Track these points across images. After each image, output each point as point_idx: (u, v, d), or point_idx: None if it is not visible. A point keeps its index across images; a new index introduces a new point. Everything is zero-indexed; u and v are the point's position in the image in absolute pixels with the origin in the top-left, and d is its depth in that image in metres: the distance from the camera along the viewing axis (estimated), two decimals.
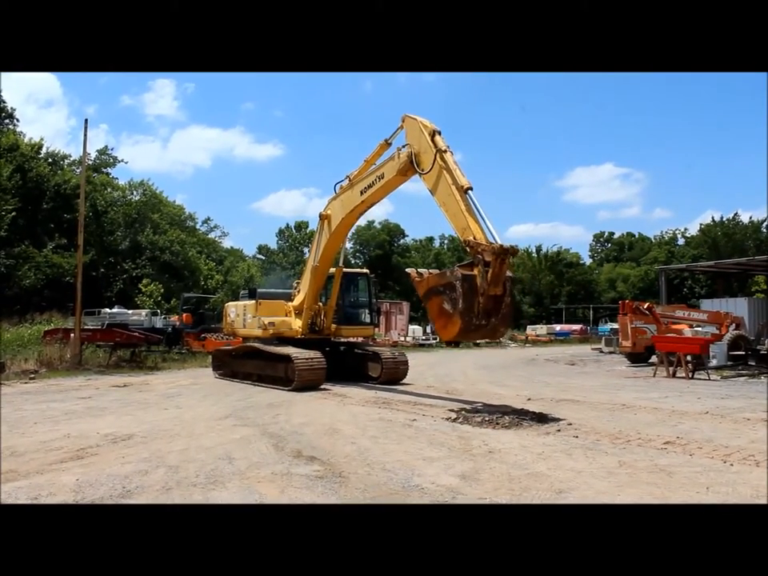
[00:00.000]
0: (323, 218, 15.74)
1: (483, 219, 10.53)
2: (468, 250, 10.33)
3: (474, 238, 10.20)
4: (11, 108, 47.85)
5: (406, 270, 12.51)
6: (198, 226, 64.73)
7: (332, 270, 16.68)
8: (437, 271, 11.41)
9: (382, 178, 13.43)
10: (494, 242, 9.99)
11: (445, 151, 11.41)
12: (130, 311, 29.24)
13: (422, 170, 11.86)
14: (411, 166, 12.29)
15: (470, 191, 10.83)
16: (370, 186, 13.89)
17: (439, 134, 11.83)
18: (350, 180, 14.99)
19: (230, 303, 20.12)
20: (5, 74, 77.84)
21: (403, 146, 12.75)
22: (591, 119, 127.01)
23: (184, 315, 29.00)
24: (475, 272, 9.99)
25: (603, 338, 37.63)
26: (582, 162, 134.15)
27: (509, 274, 10.22)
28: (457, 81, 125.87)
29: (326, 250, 15.91)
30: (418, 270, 11.50)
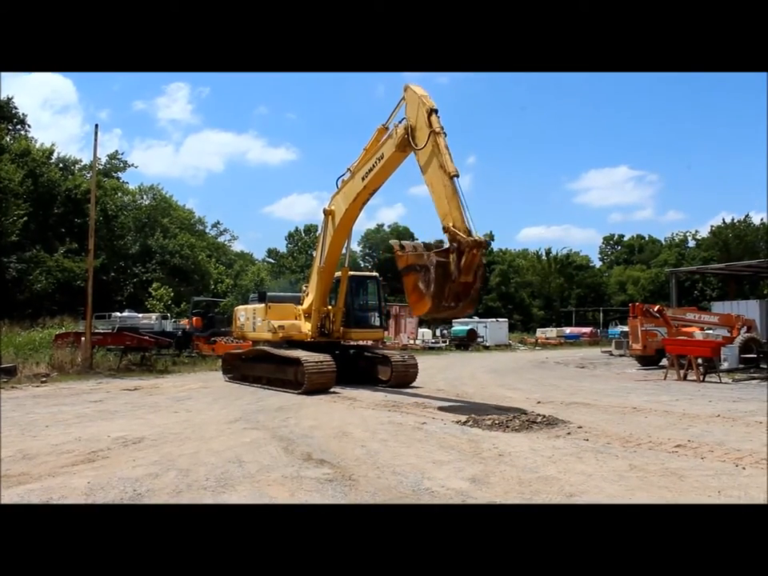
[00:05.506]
0: (327, 213, 15.78)
1: (465, 207, 11.12)
2: (446, 235, 10.95)
3: (453, 226, 10.77)
4: (23, 114, 48.24)
5: (390, 242, 13.41)
6: (207, 230, 65.06)
7: (339, 273, 16.71)
8: (419, 243, 12.21)
9: (382, 158, 13.49)
10: (471, 230, 10.72)
11: (438, 133, 11.60)
12: (140, 315, 29.31)
13: (417, 146, 12.11)
14: (408, 141, 12.41)
15: (455, 178, 11.20)
16: (371, 170, 13.94)
17: (436, 113, 11.92)
18: (351, 172, 15.04)
19: (240, 307, 20.19)
20: (19, 80, 78.58)
21: (400, 121, 12.85)
22: (606, 122, 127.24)
23: (194, 319, 29.08)
24: (449, 259, 10.74)
25: (613, 340, 37.51)
26: (596, 165, 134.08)
27: (483, 261, 10.96)
28: (469, 83, 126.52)
29: (332, 248, 15.92)
30: (402, 242, 12.23)
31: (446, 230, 10.93)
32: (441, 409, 11.59)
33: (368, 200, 14.98)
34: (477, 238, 10.66)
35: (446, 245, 11.22)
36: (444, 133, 11.64)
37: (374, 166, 13.77)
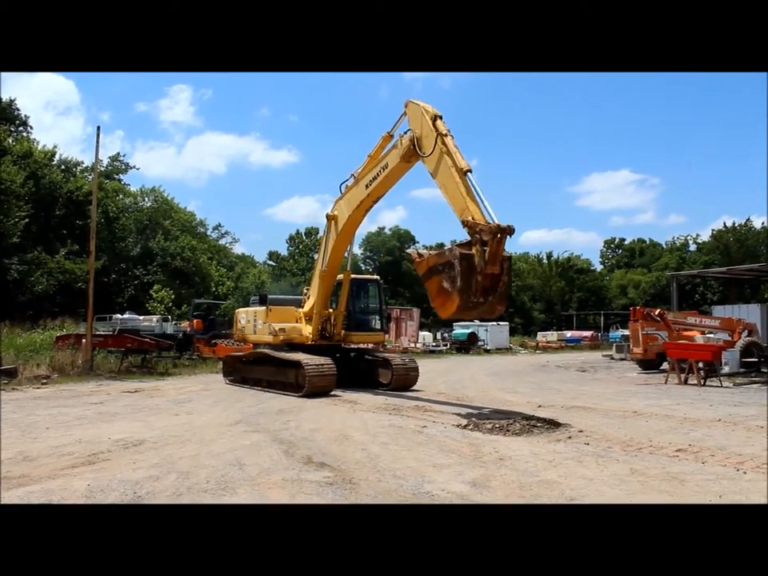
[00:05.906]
0: (330, 218, 15.76)
1: (482, 200, 10.74)
2: (466, 230, 10.54)
3: (473, 218, 10.40)
4: (25, 115, 48.37)
5: (407, 250, 12.90)
6: (208, 233, 65.15)
7: (340, 276, 16.71)
8: (436, 251, 11.63)
9: (386, 167, 13.45)
10: (491, 221, 10.22)
11: (446, 135, 11.56)
12: (141, 317, 29.33)
13: (424, 153, 12.00)
14: (414, 151, 12.36)
15: (469, 173, 11.04)
16: (374, 179, 13.89)
17: (440, 118, 11.91)
18: (354, 178, 15.05)
19: (241, 309, 20.18)
20: (22, 82, 78.73)
21: (405, 132, 12.86)
22: (608, 125, 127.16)
23: (195, 321, 29.06)
24: (473, 251, 10.22)
25: (614, 344, 37.48)
26: (597, 168, 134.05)
27: (506, 253, 10.49)
28: (472, 85, 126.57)
29: (334, 252, 15.91)
30: (419, 251, 11.80)
31: (465, 223, 10.48)
32: (441, 412, 11.57)
33: (371, 207, 14.97)
34: (499, 224, 10.18)
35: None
36: (451, 135, 11.65)
37: (377, 174, 13.76)
